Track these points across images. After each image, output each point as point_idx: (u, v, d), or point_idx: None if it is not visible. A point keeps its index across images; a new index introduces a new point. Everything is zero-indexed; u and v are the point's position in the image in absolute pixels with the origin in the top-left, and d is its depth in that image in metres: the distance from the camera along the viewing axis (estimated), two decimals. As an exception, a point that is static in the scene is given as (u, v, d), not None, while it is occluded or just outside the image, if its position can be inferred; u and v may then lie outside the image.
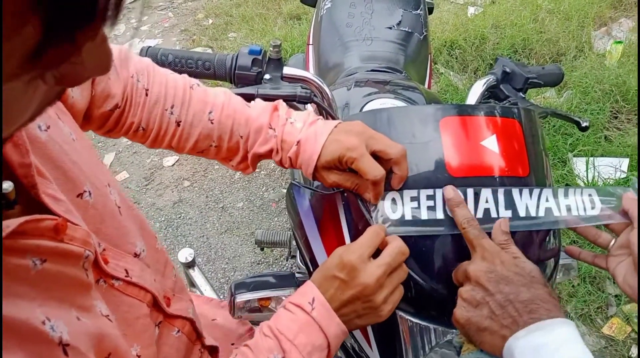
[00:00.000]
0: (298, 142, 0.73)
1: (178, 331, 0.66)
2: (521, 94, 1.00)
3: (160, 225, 2.40)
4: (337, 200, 0.79)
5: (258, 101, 0.78)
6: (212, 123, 0.74)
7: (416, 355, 0.74)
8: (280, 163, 0.76)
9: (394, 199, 0.73)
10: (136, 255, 0.59)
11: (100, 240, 0.53)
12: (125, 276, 0.55)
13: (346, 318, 0.66)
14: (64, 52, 0.27)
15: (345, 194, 0.79)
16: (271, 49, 0.86)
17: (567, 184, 2.16)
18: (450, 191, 0.70)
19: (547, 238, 0.78)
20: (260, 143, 0.74)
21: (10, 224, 0.39)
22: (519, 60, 2.79)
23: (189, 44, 3.53)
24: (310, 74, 0.89)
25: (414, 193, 0.72)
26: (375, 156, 0.70)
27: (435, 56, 2.91)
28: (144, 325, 0.57)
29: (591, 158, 2.16)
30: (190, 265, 1.28)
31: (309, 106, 0.90)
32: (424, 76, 1.69)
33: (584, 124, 1.05)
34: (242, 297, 0.80)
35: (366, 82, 1.26)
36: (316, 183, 0.83)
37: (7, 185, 0.42)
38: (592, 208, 0.73)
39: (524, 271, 0.61)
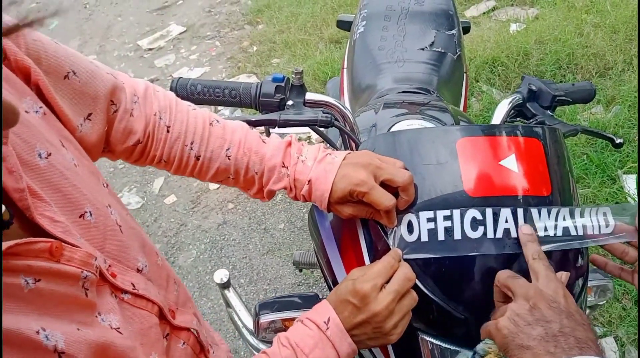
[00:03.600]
0: (309, 181, 0.76)
1: (184, 343, 0.69)
2: (549, 111, 0.99)
3: (205, 246, 2.47)
4: (356, 223, 0.80)
5: (273, 137, 0.81)
6: (229, 159, 0.78)
7: (438, 377, 0.74)
8: (295, 198, 0.79)
9: (410, 222, 0.74)
10: (139, 270, 0.62)
11: (105, 256, 0.57)
12: (133, 289, 0.59)
13: (357, 339, 0.70)
14: None
15: (364, 216, 0.80)
16: (293, 76, 0.89)
17: (616, 203, 2.08)
18: (527, 228, 0.71)
19: (575, 257, 0.76)
20: (274, 181, 0.78)
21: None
22: (564, 76, 2.73)
23: (234, 71, 3.64)
24: (331, 98, 0.91)
25: (430, 214, 0.73)
26: (384, 184, 0.73)
27: (477, 74, 2.88)
28: (156, 334, 0.61)
29: (642, 175, 2.07)
30: (225, 285, 1.31)
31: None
32: (459, 95, 1.68)
33: (617, 141, 1.02)
34: (266, 318, 0.82)
35: (395, 104, 1.27)
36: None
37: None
38: (607, 226, 0.72)
39: (581, 311, 0.62)
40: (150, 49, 4.19)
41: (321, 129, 0.89)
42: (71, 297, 0.49)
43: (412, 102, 1.27)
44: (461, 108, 1.65)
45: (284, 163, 0.77)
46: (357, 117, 1.22)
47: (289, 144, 0.79)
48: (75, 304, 0.50)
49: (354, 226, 0.81)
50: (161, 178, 2.91)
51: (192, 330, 0.71)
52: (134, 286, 0.59)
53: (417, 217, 0.73)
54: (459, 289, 0.72)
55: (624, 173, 2.16)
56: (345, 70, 1.80)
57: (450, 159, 0.74)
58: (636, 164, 2.15)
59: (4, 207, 0.46)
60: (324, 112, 0.87)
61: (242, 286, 2.26)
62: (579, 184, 2.20)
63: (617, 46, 2.75)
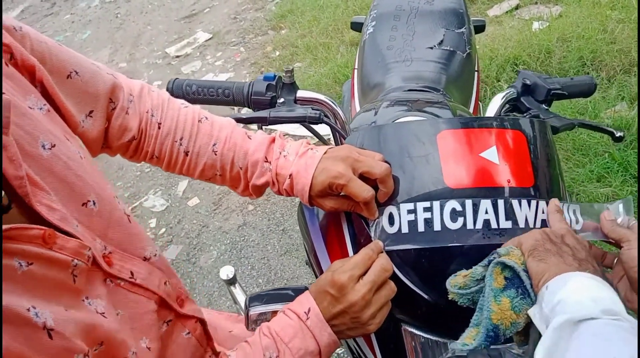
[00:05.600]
0: (290, 175, 0.78)
1: (188, 333, 0.72)
2: (544, 106, 0.98)
3: (225, 247, 2.52)
4: (341, 216, 0.82)
5: (259, 133, 0.84)
6: (215, 154, 0.81)
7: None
8: (279, 193, 0.81)
9: (391, 214, 0.75)
10: (146, 259, 0.66)
11: (106, 243, 0.60)
12: (130, 278, 0.62)
13: (337, 329, 0.71)
14: None
15: (348, 210, 0.82)
16: (284, 74, 0.92)
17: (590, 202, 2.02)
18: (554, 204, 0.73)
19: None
20: (257, 176, 0.80)
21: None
22: (587, 73, 2.67)
23: (257, 75, 3.70)
24: (323, 96, 0.93)
25: (411, 205, 0.74)
26: (363, 176, 0.74)
27: (499, 73, 2.85)
28: (151, 320, 0.64)
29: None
30: (231, 282, 1.34)
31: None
32: (470, 93, 1.68)
33: (617, 135, 1.01)
34: (255, 310, 0.84)
35: (398, 102, 1.27)
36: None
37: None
38: (577, 222, 0.73)
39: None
40: (177, 56, 4.29)
41: (312, 125, 0.91)
42: (60, 282, 0.52)
43: (414, 100, 1.28)
44: (472, 106, 1.65)
45: (266, 158, 0.80)
46: (359, 115, 1.24)
47: (273, 140, 0.82)
48: (63, 289, 0.53)
49: (338, 219, 0.82)
50: (185, 181, 2.98)
51: (199, 320, 0.73)
52: (132, 274, 0.62)
53: (398, 209, 0.74)
54: (439, 280, 0.72)
55: (647, 171, 2.10)
56: (356, 70, 1.81)
57: (431, 151, 0.75)
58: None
59: (2, 193, 0.50)
60: (313, 109, 0.89)
61: (260, 286, 2.29)
62: (600, 183, 2.15)
63: (643, 42, 2.67)
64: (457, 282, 0.68)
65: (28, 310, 0.47)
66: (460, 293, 0.67)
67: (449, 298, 0.68)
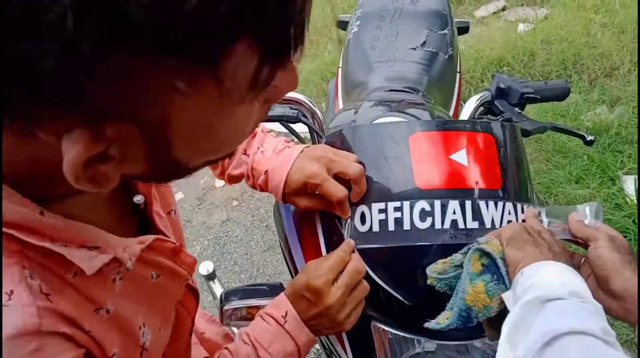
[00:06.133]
0: (266, 172, 0.80)
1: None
2: (517, 109, 1.00)
3: (208, 243, 2.52)
4: (315, 215, 0.84)
5: None
6: None
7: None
8: (253, 187, 0.83)
9: (363, 213, 0.77)
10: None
11: None
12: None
13: (314, 329, 0.73)
14: (273, 75, 0.35)
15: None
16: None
17: (617, 205, 2.07)
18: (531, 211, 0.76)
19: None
20: (234, 166, 0.83)
21: (146, 239, 0.50)
22: (569, 76, 2.71)
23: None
24: (302, 96, 0.95)
25: (382, 205, 0.75)
26: (337, 176, 0.76)
27: (483, 74, 2.88)
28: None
29: (642, 176, 2.06)
30: (210, 277, 1.36)
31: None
32: (451, 94, 1.70)
33: (588, 139, 1.04)
34: (230, 305, 0.86)
35: (378, 102, 1.29)
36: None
37: (139, 198, 0.53)
38: (542, 222, 0.75)
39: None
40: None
41: (290, 124, 0.92)
42: (174, 295, 0.57)
43: (394, 101, 1.30)
44: (452, 107, 1.67)
45: (245, 151, 0.82)
46: (340, 114, 1.25)
47: (254, 135, 0.83)
48: (174, 302, 0.58)
49: (312, 218, 0.84)
50: (170, 175, 2.98)
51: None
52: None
53: (370, 208, 0.76)
54: (407, 277, 0.75)
55: (624, 174, 2.14)
56: (340, 69, 1.83)
57: (403, 153, 0.77)
58: (636, 166, 2.13)
59: (142, 197, 0.53)
60: (291, 109, 0.90)
61: (242, 281, 2.31)
62: (579, 184, 2.19)
63: (624, 46, 2.72)
64: (436, 268, 0.70)
65: (140, 327, 0.50)
66: (439, 278, 0.70)
67: (428, 283, 0.70)
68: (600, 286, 0.66)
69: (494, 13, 3.46)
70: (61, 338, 0.41)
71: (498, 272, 0.65)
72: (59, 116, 0.30)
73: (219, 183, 2.86)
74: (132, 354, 0.49)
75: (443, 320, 0.67)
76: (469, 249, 0.69)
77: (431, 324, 0.68)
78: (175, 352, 0.64)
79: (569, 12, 3.12)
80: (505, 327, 0.57)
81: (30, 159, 0.37)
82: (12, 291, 0.38)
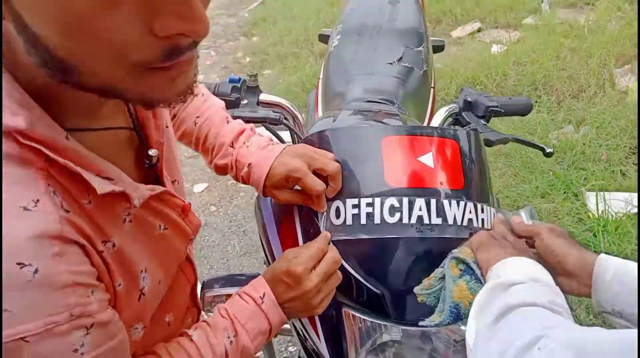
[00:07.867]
0: (249, 164, 0.86)
1: None
2: (483, 121, 1.09)
3: (185, 246, 2.56)
4: (293, 209, 0.90)
5: (236, 122, 0.92)
6: (195, 125, 0.91)
7: (357, 345, 0.83)
8: (236, 179, 0.89)
9: (338, 208, 0.84)
10: None
11: None
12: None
13: (288, 311, 0.80)
14: None
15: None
16: (248, 78, 1.00)
17: (580, 219, 2.18)
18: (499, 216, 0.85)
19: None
20: (220, 157, 0.89)
21: (155, 188, 0.55)
22: (539, 96, 2.84)
23: (227, 80, 3.77)
24: (284, 100, 1.02)
25: (355, 201, 0.82)
26: (316, 172, 0.83)
27: (458, 92, 3.00)
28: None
29: (603, 192, 2.17)
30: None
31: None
32: (425, 108, 1.78)
33: (547, 151, 1.13)
34: (212, 292, 0.92)
35: (356, 111, 1.37)
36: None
37: (153, 151, 0.60)
38: None
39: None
40: (147, 57, 4.31)
41: (272, 126, 0.99)
42: (177, 251, 0.62)
43: (371, 111, 1.38)
44: (426, 120, 1.75)
45: (232, 144, 0.88)
46: (320, 121, 1.32)
47: (243, 131, 0.91)
48: (177, 258, 0.63)
49: (291, 211, 0.91)
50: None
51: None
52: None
53: (344, 204, 0.83)
54: (376, 267, 0.82)
55: (587, 190, 2.26)
56: (320, 80, 1.90)
57: (376, 154, 0.84)
58: (599, 183, 2.25)
59: (156, 151, 0.59)
60: (274, 112, 0.97)
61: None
62: (544, 199, 2.30)
63: (590, 70, 2.87)
64: (422, 286, 0.78)
65: (141, 271, 0.55)
66: (427, 293, 0.78)
67: (419, 301, 0.78)
68: (557, 272, 0.73)
69: (469, 34, 3.60)
70: (79, 249, 0.46)
71: (474, 274, 0.74)
72: None
73: (198, 188, 2.91)
74: (132, 293, 0.54)
75: (436, 318, 0.76)
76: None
77: (425, 322, 0.76)
78: (177, 310, 0.72)
79: (540, 36, 3.27)
80: (473, 309, 0.65)
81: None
82: (37, 200, 0.43)
